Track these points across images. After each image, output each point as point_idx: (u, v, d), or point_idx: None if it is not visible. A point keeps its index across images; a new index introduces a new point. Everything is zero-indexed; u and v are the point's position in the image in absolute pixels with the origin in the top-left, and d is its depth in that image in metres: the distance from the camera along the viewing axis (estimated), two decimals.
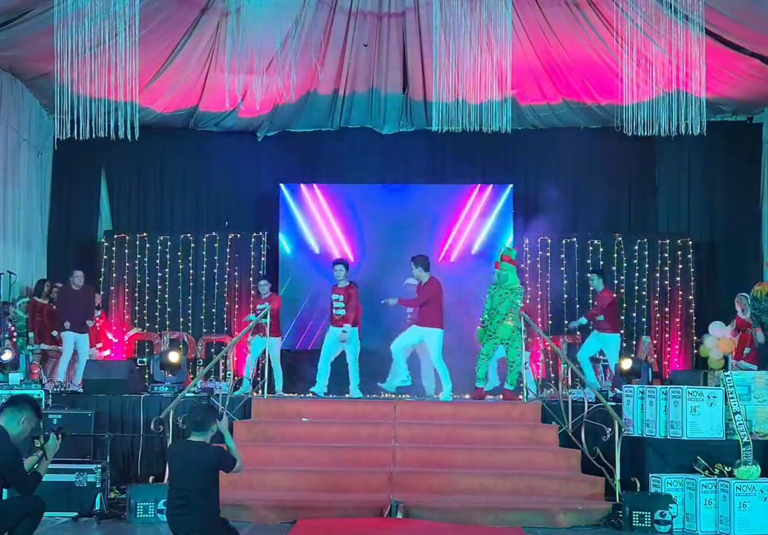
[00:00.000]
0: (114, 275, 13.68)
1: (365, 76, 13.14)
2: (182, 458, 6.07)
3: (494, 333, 10.24)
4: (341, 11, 11.92)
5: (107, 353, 12.86)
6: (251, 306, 12.57)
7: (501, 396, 10.51)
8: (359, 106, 13.77)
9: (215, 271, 13.76)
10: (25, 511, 5.65)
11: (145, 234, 13.83)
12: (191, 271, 13.76)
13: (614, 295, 12.15)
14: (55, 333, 11.73)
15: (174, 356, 11.80)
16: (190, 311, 13.68)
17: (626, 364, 11.81)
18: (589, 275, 12.42)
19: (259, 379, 10.71)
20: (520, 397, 10.22)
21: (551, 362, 12.97)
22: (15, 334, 11.71)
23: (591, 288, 12.47)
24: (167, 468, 6.00)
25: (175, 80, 12.77)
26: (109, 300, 13.55)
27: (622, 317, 13.02)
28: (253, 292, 13.27)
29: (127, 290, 13.70)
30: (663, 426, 8.29)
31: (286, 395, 11.34)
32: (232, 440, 6.53)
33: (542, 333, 11.17)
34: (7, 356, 10.82)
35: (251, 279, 13.62)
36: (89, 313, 11.87)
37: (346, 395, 10.66)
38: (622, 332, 12.29)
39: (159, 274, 13.75)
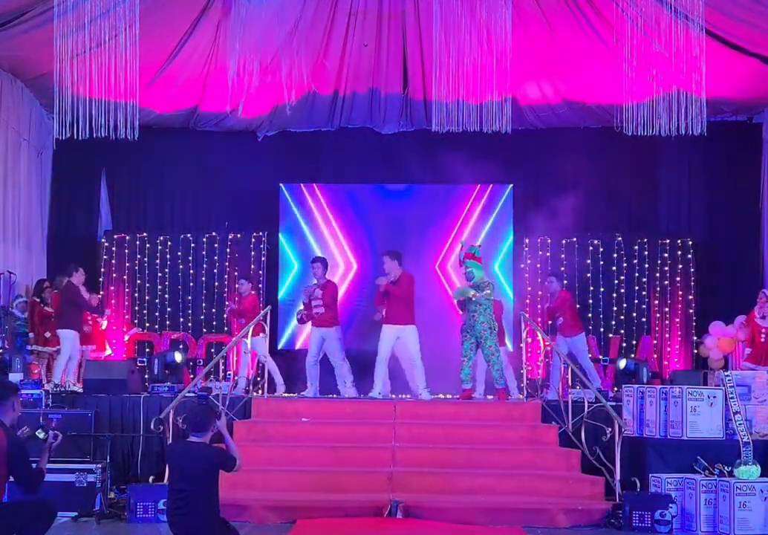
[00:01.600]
0: (114, 274, 13.69)
1: (365, 76, 13.14)
2: (182, 459, 6.06)
3: (470, 330, 10.22)
4: (341, 11, 11.91)
5: (108, 353, 12.83)
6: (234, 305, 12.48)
7: (496, 396, 10.46)
8: (359, 106, 13.76)
9: (215, 271, 13.77)
10: (35, 513, 5.66)
11: (145, 234, 13.84)
12: (191, 271, 13.77)
13: (570, 296, 12.14)
14: (48, 334, 11.62)
15: (177, 357, 11.78)
16: (190, 311, 13.68)
17: (622, 364, 11.81)
18: (550, 277, 12.27)
19: (259, 379, 10.70)
20: (514, 395, 10.22)
21: (551, 362, 12.96)
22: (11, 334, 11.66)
23: (549, 292, 12.32)
24: (167, 468, 6.00)
25: (175, 80, 12.76)
26: (109, 300, 13.55)
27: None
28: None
29: (127, 290, 13.70)
30: (663, 426, 8.29)
31: (285, 395, 11.34)
32: (231, 440, 6.53)
33: (542, 333, 11.17)
34: None
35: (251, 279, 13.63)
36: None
37: (364, 396, 10.62)
38: (585, 331, 12.29)
39: (159, 274, 13.75)
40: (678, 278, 13.44)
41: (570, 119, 13.83)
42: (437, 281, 13.41)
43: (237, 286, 12.77)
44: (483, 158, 13.52)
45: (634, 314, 13.44)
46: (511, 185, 13.72)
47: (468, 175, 13.60)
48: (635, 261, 13.53)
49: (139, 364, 12.17)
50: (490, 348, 10.17)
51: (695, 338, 13.30)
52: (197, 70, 12.65)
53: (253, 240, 13.78)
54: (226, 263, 13.75)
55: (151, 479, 8.42)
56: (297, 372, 12.21)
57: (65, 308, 11.33)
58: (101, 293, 13.34)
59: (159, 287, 13.74)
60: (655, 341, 13.33)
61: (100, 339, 12.71)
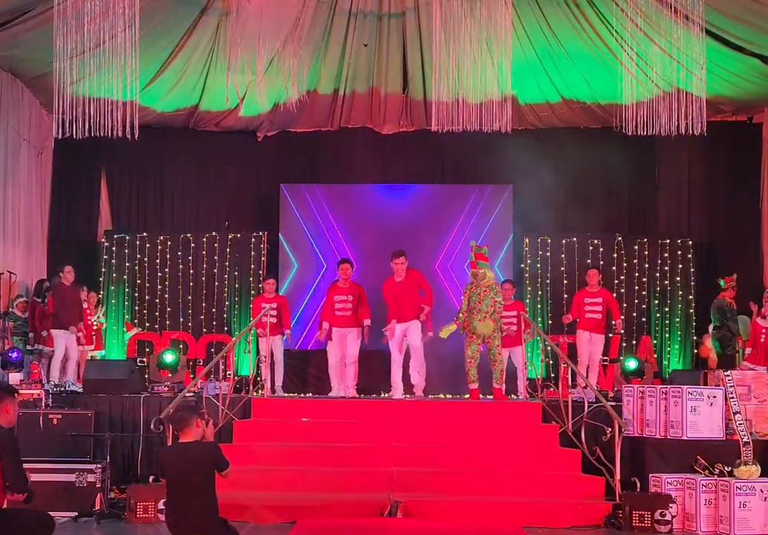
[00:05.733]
0: (114, 274, 13.68)
1: (365, 76, 13.15)
2: (180, 460, 6.02)
3: (474, 331, 10.22)
4: (341, 11, 11.92)
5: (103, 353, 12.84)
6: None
7: (494, 396, 10.46)
8: (359, 106, 13.77)
9: (215, 271, 13.76)
10: (35, 523, 5.66)
11: (145, 234, 13.83)
12: (191, 271, 13.75)
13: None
14: (45, 333, 11.61)
15: (169, 357, 11.74)
16: (190, 311, 13.67)
17: (632, 364, 11.79)
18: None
19: (259, 379, 10.69)
20: (513, 395, 10.21)
21: (551, 362, 12.97)
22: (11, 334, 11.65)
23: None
24: (164, 473, 6.00)
25: (175, 80, 12.77)
26: (109, 300, 13.55)
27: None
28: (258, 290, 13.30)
29: (127, 290, 13.69)
30: (663, 426, 8.29)
31: (285, 395, 11.33)
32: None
33: (542, 333, 11.16)
34: None
35: (251, 279, 13.63)
36: (81, 311, 11.68)
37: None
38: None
39: (159, 274, 13.74)
40: (678, 278, 13.44)
41: (570, 119, 13.83)
42: (436, 281, 13.38)
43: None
44: (483, 158, 13.54)
45: (634, 314, 13.43)
46: (511, 185, 13.71)
47: (468, 175, 13.60)
48: (635, 261, 13.53)
49: (139, 364, 12.16)
50: (497, 347, 10.24)
51: (695, 337, 13.30)
52: (197, 69, 12.66)
53: (253, 240, 13.76)
54: (226, 263, 13.73)
55: (151, 479, 8.41)
56: (297, 372, 12.21)
57: (57, 308, 11.36)
58: (101, 292, 13.34)
59: (159, 287, 13.73)
60: (655, 341, 13.33)
61: (97, 339, 12.72)
